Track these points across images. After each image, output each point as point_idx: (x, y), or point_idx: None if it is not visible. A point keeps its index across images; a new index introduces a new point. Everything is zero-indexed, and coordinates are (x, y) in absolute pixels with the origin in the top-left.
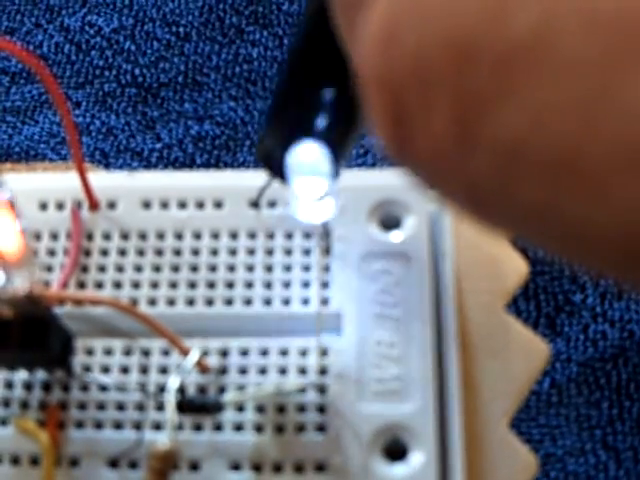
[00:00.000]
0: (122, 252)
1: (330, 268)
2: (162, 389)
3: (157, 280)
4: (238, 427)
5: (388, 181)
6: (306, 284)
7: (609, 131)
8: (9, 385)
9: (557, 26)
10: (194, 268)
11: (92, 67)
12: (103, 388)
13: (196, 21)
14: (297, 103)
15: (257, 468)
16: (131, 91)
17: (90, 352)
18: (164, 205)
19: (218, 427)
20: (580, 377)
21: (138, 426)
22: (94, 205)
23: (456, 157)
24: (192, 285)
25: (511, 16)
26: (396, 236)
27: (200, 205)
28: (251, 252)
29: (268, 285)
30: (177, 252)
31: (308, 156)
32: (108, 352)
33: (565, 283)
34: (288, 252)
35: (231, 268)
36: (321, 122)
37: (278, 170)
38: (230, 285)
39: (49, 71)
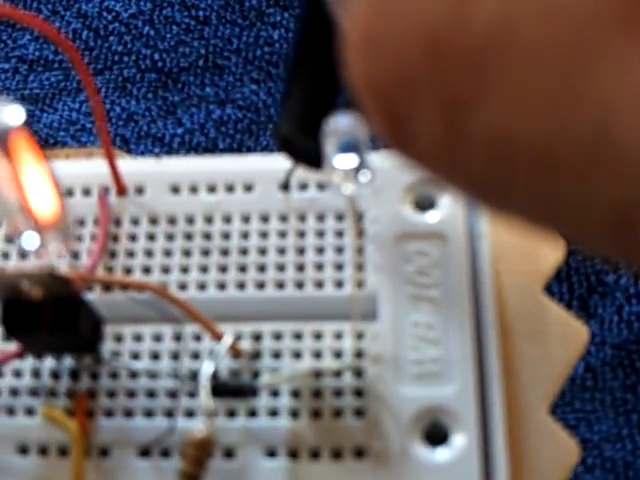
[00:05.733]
0: (151, 237)
1: (364, 250)
2: (194, 375)
3: (187, 264)
4: (273, 412)
5: None
6: (339, 266)
7: (576, 125)
8: (36, 373)
9: (514, 20)
10: (225, 252)
11: (111, 53)
12: (133, 375)
13: (215, 4)
14: (311, 84)
15: (293, 454)
16: (151, 76)
17: (119, 339)
18: (193, 190)
19: (252, 413)
20: (615, 360)
21: (170, 413)
22: (122, 190)
23: (450, 154)
24: (223, 269)
25: (470, 9)
26: (432, 216)
27: (230, 189)
28: (282, 235)
29: (300, 268)
30: (207, 236)
31: (342, 126)
32: (138, 338)
33: (597, 264)
34: (320, 234)
35: (262, 251)
36: (340, 98)
37: (299, 155)
38: (262, 268)
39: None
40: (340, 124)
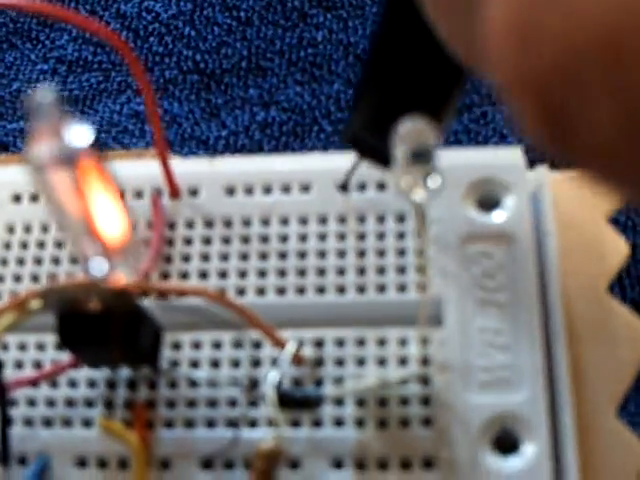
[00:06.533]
0: (207, 240)
1: (426, 252)
2: (255, 383)
3: (245, 269)
4: (338, 422)
5: (485, 160)
6: (402, 270)
7: None
8: (91, 383)
9: None
10: (283, 255)
11: (151, 54)
12: (193, 384)
13: (257, 5)
14: (386, 81)
15: (360, 465)
16: (193, 78)
17: (177, 346)
18: (248, 191)
19: (317, 423)
20: None
21: (232, 423)
22: (175, 192)
23: (629, 148)
24: (282, 273)
25: None
26: (498, 216)
27: (286, 190)
28: (342, 237)
29: (361, 271)
30: (264, 239)
31: (412, 131)
32: (196, 346)
33: None
34: (380, 236)
35: (321, 254)
36: (416, 98)
37: (367, 151)
38: (321, 272)
39: (134, 54)
40: (410, 129)
